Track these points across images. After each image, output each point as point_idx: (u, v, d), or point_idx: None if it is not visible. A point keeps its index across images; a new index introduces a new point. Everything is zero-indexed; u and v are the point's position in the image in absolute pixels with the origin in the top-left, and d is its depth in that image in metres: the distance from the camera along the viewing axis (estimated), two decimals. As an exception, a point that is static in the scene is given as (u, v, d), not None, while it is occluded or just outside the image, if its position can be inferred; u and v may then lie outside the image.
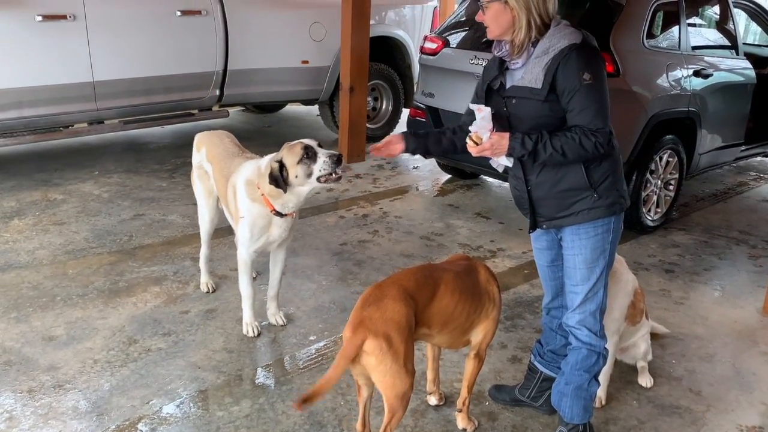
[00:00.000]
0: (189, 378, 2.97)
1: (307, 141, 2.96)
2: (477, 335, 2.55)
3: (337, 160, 2.91)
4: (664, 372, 3.20)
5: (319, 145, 2.97)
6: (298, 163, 2.91)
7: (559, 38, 2.23)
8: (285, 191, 2.96)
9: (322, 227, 4.82)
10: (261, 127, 7.99)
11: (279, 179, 2.91)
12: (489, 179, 6.13)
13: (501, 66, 2.40)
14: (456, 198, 5.70)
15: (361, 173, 6.22)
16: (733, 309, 3.89)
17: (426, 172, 6.41)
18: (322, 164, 2.91)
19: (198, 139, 3.65)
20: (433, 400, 2.85)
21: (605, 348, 2.52)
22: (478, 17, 2.34)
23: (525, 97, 2.30)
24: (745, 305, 3.95)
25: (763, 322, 3.75)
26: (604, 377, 2.84)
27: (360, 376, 2.27)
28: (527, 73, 2.28)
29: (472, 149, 2.28)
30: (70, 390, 2.84)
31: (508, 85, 2.38)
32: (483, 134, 2.26)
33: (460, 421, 2.69)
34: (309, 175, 2.93)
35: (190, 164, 6.01)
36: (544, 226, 2.49)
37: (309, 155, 2.91)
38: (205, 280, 3.78)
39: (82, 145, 6.62)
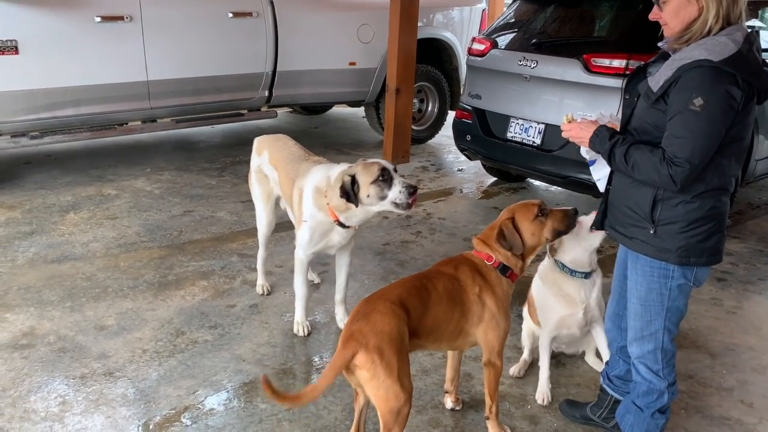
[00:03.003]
0: (234, 370, 3.02)
1: (384, 162, 2.92)
2: (480, 340, 2.47)
3: (412, 192, 2.86)
4: (714, 382, 3.11)
5: (394, 170, 2.93)
6: (372, 183, 2.86)
7: (702, 49, 1.99)
8: (356, 206, 2.92)
9: (365, 227, 4.83)
10: (308, 128, 8.08)
11: (350, 194, 2.87)
12: (535, 182, 6.06)
13: (663, 55, 2.23)
14: (501, 201, 5.65)
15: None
16: (788, 320, 3.76)
17: (471, 174, 6.38)
18: (398, 193, 2.86)
19: (258, 142, 3.62)
20: (448, 403, 2.80)
21: (669, 386, 2.36)
22: (652, 15, 2.16)
23: (643, 95, 2.17)
24: (802, 317, 3.80)
25: (821, 334, 3.61)
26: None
27: (357, 385, 2.22)
28: (658, 73, 2.10)
29: (563, 127, 2.31)
30: (120, 378, 2.93)
31: None
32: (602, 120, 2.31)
33: (491, 429, 2.64)
34: (382, 198, 2.88)
35: (239, 163, 6.20)
36: (608, 231, 2.41)
37: (384, 178, 2.86)
38: (261, 282, 3.78)
39: (135, 143, 6.81)
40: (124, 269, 3.98)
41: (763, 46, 5.43)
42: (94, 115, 5.46)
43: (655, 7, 2.16)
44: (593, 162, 2.41)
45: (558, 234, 2.54)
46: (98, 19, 5.20)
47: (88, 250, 4.21)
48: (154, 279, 3.87)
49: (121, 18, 5.31)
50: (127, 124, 5.86)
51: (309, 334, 3.35)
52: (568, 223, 2.53)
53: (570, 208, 2.58)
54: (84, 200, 5.11)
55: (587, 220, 2.69)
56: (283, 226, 3.87)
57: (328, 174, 3.06)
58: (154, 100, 5.67)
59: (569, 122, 2.35)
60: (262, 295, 3.75)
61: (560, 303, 2.84)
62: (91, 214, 4.84)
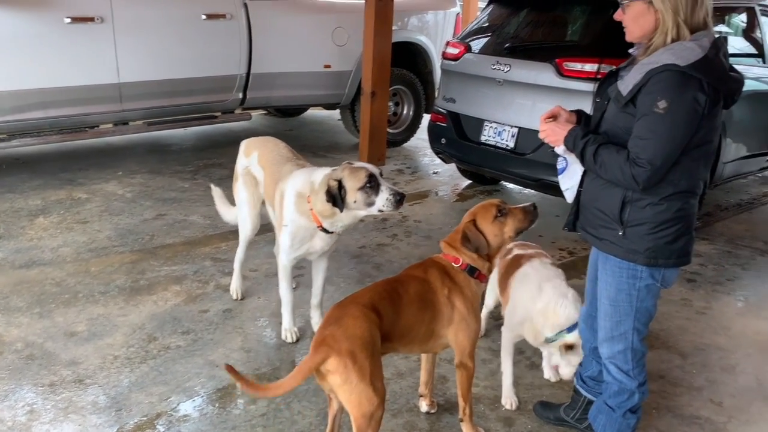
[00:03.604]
0: (207, 376, 2.99)
1: (370, 168, 2.88)
2: (451, 342, 2.49)
3: (399, 200, 2.85)
4: (684, 382, 3.16)
5: (381, 174, 2.90)
6: (360, 189, 2.82)
7: (670, 53, 2.03)
8: (342, 211, 2.87)
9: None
10: (283, 130, 8.02)
11: (337, 199, 2.82)
12: (509, 185, 6.10)
13: (634, 60, 2.24)
14: (475, 203, 5.62)
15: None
16: (756, 320, 3.83)
17: (446, 177, 6.40)
18: (385, 201, 2.83)
19: (247, 144, 3.56)
20: (423, 406, 2.80)
21: (640, 386, 2.39)
22: (617, 16, 2.21)
23: (613, 99, 2.20)
24: (769, 316, 3.88)
25: (788, 333, 3.69)
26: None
27: (330, 390, 2.22)
28: (628, 77, 2.13)
29: (540, 127, 2.33)
30: (90, 385, 2.88)
31: None
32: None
33: (465, 431, 2.65)
34: (369, 204, 2.85)
35: (212, 166, 6.15)
36: (580, 233, 2.43)
37: (372, 185, 2.83)
38: (235, 287, 3.72)
39: (106, 146, 6.71)
40: (94, 274, 3.91)
41: (732, 50, 5.55)
42: (64, 117, 5.37)
43: (620, 9, 2.21)
44: (562, 171, 2.43)
45: (520, 231, 2.54)
46: (68, 20, 5.12)
47: (58, 255, 4.14)
48: (126, 284, 3.82)
49: (92, 19, 5.23)
50: (98, 126, 5.77)
51: (298, 340, 3.32)
52: (529, 219, 2.55)
53: (528, 204, 2.59)
54: (54, 204, 5.02)
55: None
56: (258, 230, 3.83)
57: (311, 179, 2.99)
58: (126, 103, 5.60)
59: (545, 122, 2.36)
60: (236, 299, 3.71)
61: (530, 335, 2.86)
62: (60, 218, 4.76)
